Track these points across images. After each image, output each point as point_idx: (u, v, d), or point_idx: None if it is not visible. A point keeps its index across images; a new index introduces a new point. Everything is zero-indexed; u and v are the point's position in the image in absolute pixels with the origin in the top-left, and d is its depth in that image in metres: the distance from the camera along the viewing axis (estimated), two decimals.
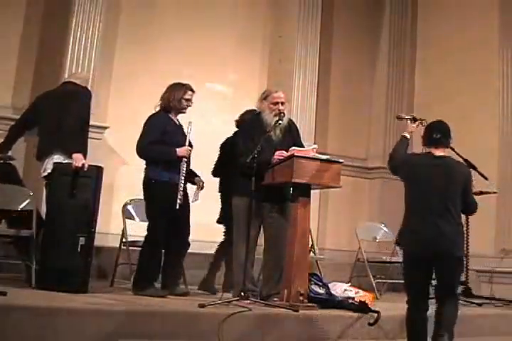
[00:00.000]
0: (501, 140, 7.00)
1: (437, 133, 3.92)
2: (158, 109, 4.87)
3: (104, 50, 6.24)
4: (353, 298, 4.71)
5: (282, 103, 4.76)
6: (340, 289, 4.82)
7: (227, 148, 5.31)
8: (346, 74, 7.98)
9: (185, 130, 4.82)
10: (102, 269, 5.69)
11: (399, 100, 8.00)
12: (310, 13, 7.48)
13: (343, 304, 4.57)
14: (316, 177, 4.47)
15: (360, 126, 8.08)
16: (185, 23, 6.88)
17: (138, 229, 5.04)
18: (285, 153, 4.54)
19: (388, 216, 7.01)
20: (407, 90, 8.14)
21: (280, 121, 4.67)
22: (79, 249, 4.40)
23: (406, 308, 3.87)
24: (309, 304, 4.39)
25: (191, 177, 4.89)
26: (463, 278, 5.35)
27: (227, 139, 5.44)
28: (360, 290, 4.91)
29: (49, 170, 4.67)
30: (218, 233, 5.53)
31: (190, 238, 4.85)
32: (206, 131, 5.60)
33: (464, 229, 4.00)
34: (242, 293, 4.23)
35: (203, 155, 5.14)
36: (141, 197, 4.93)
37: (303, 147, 4.72)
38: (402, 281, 5.94)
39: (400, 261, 5.99)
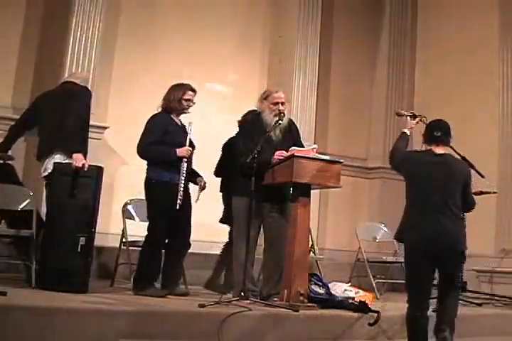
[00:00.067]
0: (501, 140, 7.00)
1: (438, 131, 3.97)
2: (160, 109, 4.88)
3: (104, 50, 6.24)
4: (353, 298, 4.71)
5: (282, 103, 4.76)
6: (340, 289, 4.82)
7: (230, 148, 5.31)
8: (346, 74, 7.98)
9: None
10: (102, 269, 5.69)
11: (399, 100, 8.00)
12: (310, 13, 7.48)
13: (343, 304, 4.57)
14: (316, 177, 4.47)
15: (360, 126, 8.08)
16: (185, 23, 6.88)
17: (138, 229, 5.04)
18: (285, 153, 4.54)
19: (388, 216, 7.00)
20: (407, 90, 8.13)
21: (280, 121, 4.67)
22: (79, 249, 4.40)
23: (407, 307, 3.88)
24: (309, 304, 4.39)
25: (193, 177, 4.89)
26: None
27: (230, 139, 5.44)
28: (360, 290, 4.92)
29: (49, 170, 4.66)
30: (218, 233, 5.53)
31: (191, 238, 4.85)
32: (206, 131, 5.60)
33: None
34: (242, 293, 4.23)
35: (203, 155, 5.14)
36: (141, 197, 4.93)
37: (303, 147, 4.72)
38: (402, 281, 6.01)
39: (400, 261, 6.08)
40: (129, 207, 5.51)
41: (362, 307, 4.45)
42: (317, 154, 4.61)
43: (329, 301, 4.60)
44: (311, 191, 4.62)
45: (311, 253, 5.90)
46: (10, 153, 5.15)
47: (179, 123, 4.88)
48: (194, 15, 6.96)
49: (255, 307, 4.16)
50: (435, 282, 3.95)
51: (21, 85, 6.03)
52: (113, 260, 5.34)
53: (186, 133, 4.78)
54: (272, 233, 4.71)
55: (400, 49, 8.18)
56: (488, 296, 6.15)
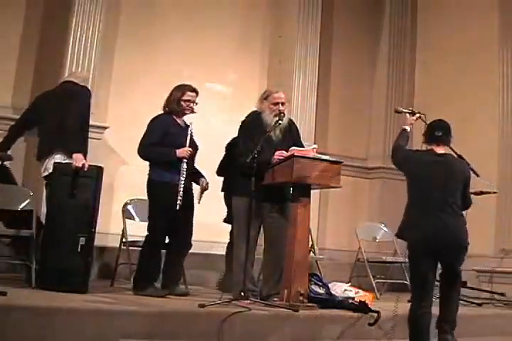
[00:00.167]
0: (501, 140, 7.00)
1: (439, 131, 4.03)
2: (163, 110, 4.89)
3: (104, 50, 6.24)
4: (353, 298, 4.71)
5: (283, 103, 4.76)
6: (340, 289, 4.82)
7: (233, 148, 5.32)
8: (346, 74, 7.98)
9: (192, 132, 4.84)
10: (102, 269, 5.69)
11: (399, 100, 7.99)
12: (310, 13, 7.48)
13: (343, 304, 4.56)
14: (316, 177, 4.47)
15: (360, 126, 8.08)
16: (185, 23, 6.88)
17: (138, 229, 5.04)
18: (285, 153, 4.54)
19: (388, 216, 7.00)
20: (407, 90, 8.13)
21: (280, 121, 4.67)
22: (79, 249, 4.40)
23: (409, 306, 3.92)
24: (309, 304, 4.39)
25: (196, 177, 4.89)
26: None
27: (234, 139, 5.44)
28: (360, 290, 4.92)
29: (49, 170, 4.66)
30: (219, 233, 5.54)
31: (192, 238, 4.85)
32: (206, 131, 5.60)
33: None
34: (242, 293, 4.23)
35: (202, 155, 5.13)
36: (141, 197, 4.94)
37: (303, 147, 4.72)
38: (402, 281, 6.06)
39: (400, 261, 6.10)
40: (129, 207, 5.50)
41: (362, 307, 4.45)
42: (317, 154, 4.60)
43: (329, 301, 4.59)
44: (311, 191, 4.62)
45: (311, 253, 5.90)
46: (10, 153, 5.16)
47: (182, 124, 4.87)
48: (194, 15, 6.96)
49: (255, 307, 4.15)
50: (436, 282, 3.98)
51: (21, 85, 6.03)
52: (113, 260, 5.34)
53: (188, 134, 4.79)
54: (272, 233, 4.71)
55: (399, 49, 8.18)
56: (488, 295, 6.15)
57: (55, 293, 4.16)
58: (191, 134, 4.79)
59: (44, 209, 4.71)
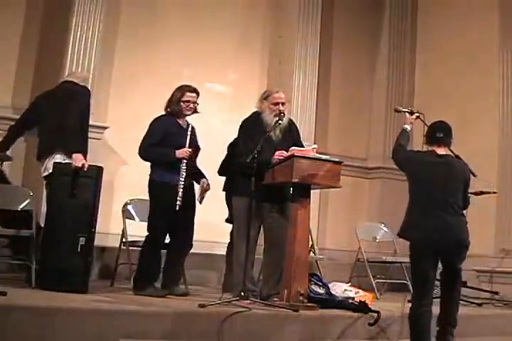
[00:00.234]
0: (501, 141, 7.00)
1: (440, 132, 4.09)
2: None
3: (105, 51, 6.24)
4: (353, 298, 4.71)
5: (283, 103, 4.77)
6: (340, 289, 4.82)
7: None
8: (346, 75, 7.98)
9: (195, 132, 4.88)
10: (102, 269, 5.69)
11: (399, 102, 7.96)
12: (310, 14, 7.49)
13: (343, 304, 4.57)
14: (316, 177, 4.47)
15: (360, 126, 8.08)
16: (185, 24, 6.88)
17: (138, 229, 5.04)
18: (285, 153, 4.55)
19: (388, 216, 7.01)
20: (407, 92, 8.14)
21: (280, 121, 4.67)
22: (79, 249, 4.39)
23: (410, 305, 3.94)
24: (309, 304, 4.39)
25: (198, 177, 4.89)
26: None
27: (235, 139, 5.44)
28: (360, 290, 4.92)
29: (50, 170, 4.65)
30: (219, 233, 5.53)
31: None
32: (206, 131, 5.59)
33: None
34: (242, 293, 4.23)
35: (202, 155, 5.13)
36: (141, 197, 4.95)
37: (303, 147, 4.72)
38: (402, 281, 6.06)
39: (400, 261, 6.10)
40: (129, 207, 5.50)
41: (362, 307, 4.45)
42: (317, 154, 4.61)
43: (329, 301, 4.60)
44: (311, 191, 4.62)
45: (311, 253, 5.90)
46: (9, 153, 5.15)
47: (183, 125, 4.87)
48: (194, 15, 6.96)
49: (255, 307, 4.15)
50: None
51: (21, 85, 6.03)
52: (113, 260, 5.34)
53: (193, 135, 4.81)
54: (272, 233, 4.71)
55: (400, 50, 8.18)
56: (488, 295, 6.16)
57: (55, 293, 4.16)
58: (191, 135, 4.80)
59: (44, 209, 4.71)
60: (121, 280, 5.29)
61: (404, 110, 4.55)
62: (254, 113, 4.87)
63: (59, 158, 4.67)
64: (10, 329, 3.30)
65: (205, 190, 4.83)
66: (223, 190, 5.48)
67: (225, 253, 5.56)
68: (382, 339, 4.38)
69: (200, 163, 5.04)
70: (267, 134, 4.58)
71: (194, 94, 4.86)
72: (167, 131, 4.77)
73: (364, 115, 8.12)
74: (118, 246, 5.33)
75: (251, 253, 4.51)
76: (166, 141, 4.73)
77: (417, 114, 4.47)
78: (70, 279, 4.32)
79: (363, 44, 8.16)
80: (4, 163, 5.24)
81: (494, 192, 6.00)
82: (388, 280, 6.38)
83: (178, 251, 4.81)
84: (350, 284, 5.15)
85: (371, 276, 6.06)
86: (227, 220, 5.40)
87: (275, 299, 4.47)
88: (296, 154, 4.44)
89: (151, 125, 4.83)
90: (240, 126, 4.86)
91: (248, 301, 4.22)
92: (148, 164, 4.80)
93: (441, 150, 4.06)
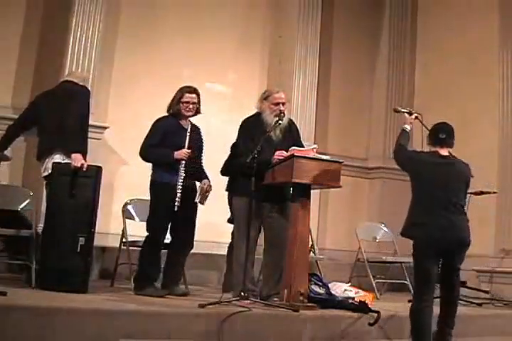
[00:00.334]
0: (501, 141, 7.00)
1: (443, 133, 4.15)
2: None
3: (105, 51, 6.24)
4: (353, 298, 4.71)
5: (283, 103, 4.77)
6: (340, 289, 4.82)
7: None
8: (346, 75, 7.98)
9: (200, 132, 4.89)
10: (102, 269, 5.69)
11: (399, 102, 7.95)
12: (310, 14, 7.48)
13: (343, 304, 4.57)
14: (316, 177, 4.47)
15: (360, 126, 8.08)
16: (185, 24, 6.87)
17: (138, 229, 5.04)
18: (285, 153, 4.55)
19: (388, 216, 7.01)
20: (407, 92, 8.13)
21: (280, 121, 4.67)
22: (79, 249, 4.40)
23: (411, 303, 3.97)
24: (309, 304, 4.39)
25: (200, 178, 4.88)
26: None
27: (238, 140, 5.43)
28: (360, 290, 4.92)
29: (49, 170, 4.65)
30: (219, 233, 5.53)
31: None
32: (206, 131, 5.59)
33: None
34: (242, 293, 4.23)
35: (203, 155, 5.14)
36: (141, 197, 4.95)
37: (303, 147, 4.72)
38: (402, 281, 6.06)
39: (400, 261, 6.11)
40: (129, 207, 5.50)
41: (362, 307, 4.45)
42: (317, 154, 4.61)
43: (329, 301, 4.60)
44: (311, 191, 4.62)
45: (311, 253, 5.90)
46: (8, 153, 5.14)
47: (185, 126, 4.87)
48: (194, 16, 6.96)
49: (255, 307, 4.15)
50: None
51: (21, 85, 6.03)
52: (113, 260, 5.33)
53: (195, 136, 4.82)
54: (272, 233, 4.71)
55: (399, 51, 8.17)
56: (487, 295, 6.16)
57: (55, 293, 4.16)
58: (193, 135, 4.80)
59: (44, 209, 4.71)
60: (121, 280, 5.29)
61: (403, 110, 4.59)
62: (255, 114, 4.87)
63: (58, 158, 4.67)
64: (10, 329, 3.30)
65: (205, 191, 4.82)
66: (226, 189, 5.47)
67: (225, 253, 5.56)
68: (382, 339, 4.38)
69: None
70: (267, 134, 4.58)
71: (193, 95, 4.86)
72: (167, 131, 4.78)
73: (364, 115, 8.12)
74: (118, 246, 5.32)
75: (251, 253, 4.51)
76: (166, 142, 4.74)
77: (416, 115, 4.51)
78: (69, 279, 4.33)
79: (363, 44, 8.16)
80: (2, 162, 5.22)
81: (494, 192, 6.01)
82: (388, 280, 6.39)
83: (178, 251, 4.81)
84: (350, 284, 5.15)
85: (371, 276, 6.06)
86: (230, 220, 5.40)
87: (275, 299, 4.47)
88: (296, 154, 4.44)
89: (152, 126, 4.85)
90: (240, 126, 4.86)
91: (248, 301, 4.22)
92: (149, 164, 4.81)
93: (444, 151, 4.12)
